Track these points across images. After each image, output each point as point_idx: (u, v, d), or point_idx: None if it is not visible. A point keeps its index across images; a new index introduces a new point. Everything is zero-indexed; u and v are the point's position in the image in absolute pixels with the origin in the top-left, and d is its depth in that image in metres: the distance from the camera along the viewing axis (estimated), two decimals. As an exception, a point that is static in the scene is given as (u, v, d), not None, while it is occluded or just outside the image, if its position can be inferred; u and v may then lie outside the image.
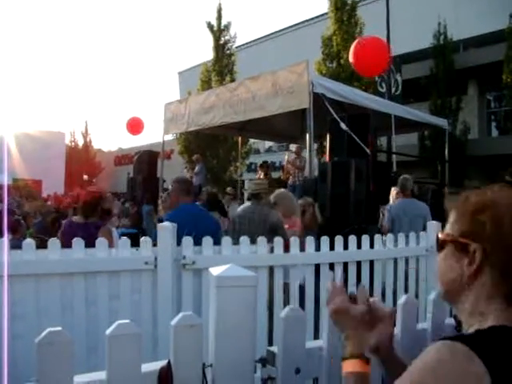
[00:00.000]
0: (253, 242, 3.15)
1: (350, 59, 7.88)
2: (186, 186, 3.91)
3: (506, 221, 0.88)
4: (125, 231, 8.31)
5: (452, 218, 0.99)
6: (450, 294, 1.00)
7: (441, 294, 1.04)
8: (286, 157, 11.28)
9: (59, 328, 1.01)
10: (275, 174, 13.17)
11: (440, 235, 1.02)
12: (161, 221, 4.09)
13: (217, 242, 3.04)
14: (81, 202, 4.01)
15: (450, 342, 0.82)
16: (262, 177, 11.01)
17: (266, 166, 11.70)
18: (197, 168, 12.24)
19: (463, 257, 0.94)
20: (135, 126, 14.64)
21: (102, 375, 1.08)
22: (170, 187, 4.32)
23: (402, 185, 6.17)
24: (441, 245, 1.01)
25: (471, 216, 0.94)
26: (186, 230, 2.96)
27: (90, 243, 2.74)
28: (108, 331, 1.06)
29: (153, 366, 1.15)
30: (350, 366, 1.06)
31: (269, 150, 24.99)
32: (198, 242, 2.93)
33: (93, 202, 3.95)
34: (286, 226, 4.45)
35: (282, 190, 5.32)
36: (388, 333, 1.14)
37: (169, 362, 1.14)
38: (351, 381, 1.05)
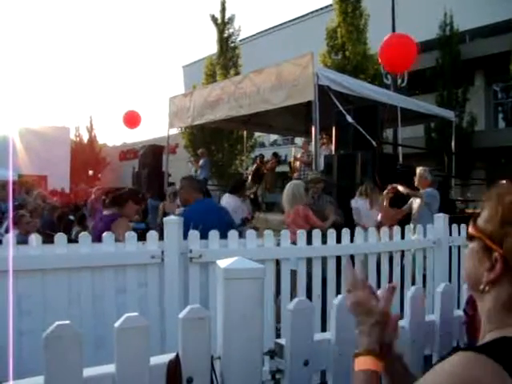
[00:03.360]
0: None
1: (379, 53, 7.90)
2: (196, 184, 3.96)
3: None
4: (135, 226, 8.33)
5: (486, 212, 0.93)
6: (472, 289, 0.96)
7: (468, 285, 1.00)
8: (293, 153, 11.28)
9: (67, 322, 1.01)
10: (280, 168, 13.14)
11: (471, 227, 0.96)
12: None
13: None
14: (110, 195, 4.04)
15: (480, 356, 0.77)
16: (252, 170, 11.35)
17: (260, 160, 11.92)
18: (201, 162, 12.24)
19: (487, 259, 0.89)
20: (132, 120, 14.60)
21: (110, 368, 1.08)
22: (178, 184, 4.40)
23: (429, 174, 6.15)
24: (469, 237, 0.96)
25: (502, 221, 0.87)
26: (193, 224, 2.97)
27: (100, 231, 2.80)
28: (116, 324, 1.06)
29: (161, 359, 1.15)
30: (362, 363, 1.03)
31: (274, 144, 24.97)
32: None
33: (123, 195, 3.99)
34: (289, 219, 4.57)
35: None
36: (395, 335, 1.12)
37: (177, 355, 1.14)
38: (362, 378, 1.01)
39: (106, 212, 3.94)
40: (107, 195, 4.06)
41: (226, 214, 4.04)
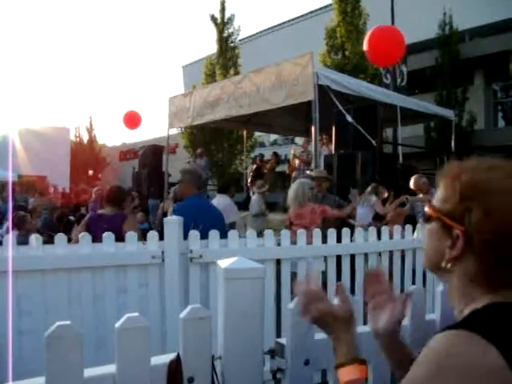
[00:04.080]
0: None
1: (364, 48, 7.76)
2: (197, 180, 3.90)
3: (496, 211, 0.82)
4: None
5: (441, 192, 0.92)
6: (433, 269, 0.95)
7: (424, 264, 0.99)
8: (293, 151, 11.28)
9: (68, 322, 1.01)
10: (280, 168, 13.15)
11: (428, 208, 0.95)
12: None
13: (222, 235, 3.05)
14: (108, 195, 4.05)
15: (454, 331, 0.78)
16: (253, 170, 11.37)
17: (260, 160, 11.94)
18: (202, 162, 12.23)
19: (447, 237, 0.88)
20: (132, 120, 14.56)
21: (111, 368, 1.08)
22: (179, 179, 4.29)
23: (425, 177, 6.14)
24: (427, 218, 0.95)
25: (461, 198, 0.86)
26: (193, 224, 2.96)
27: (117, 235, 2.81)
28: (117, 324, 1.06)
29: (162, 359, 1.15)
30: (346, 374, 0.97)
31: (274, 143, 24.97)
32: (204, 235, 2.94)
33: (121, 195, 3.99)
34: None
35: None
36: (400, 317, 1.09)
37: (178, 355, 1.14)
38: None
39: (104, 211, 3.93)
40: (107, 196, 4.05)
41: (217, 212, 3.97)
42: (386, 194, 5.96)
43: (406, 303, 1.12)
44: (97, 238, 2.76)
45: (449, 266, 0.88)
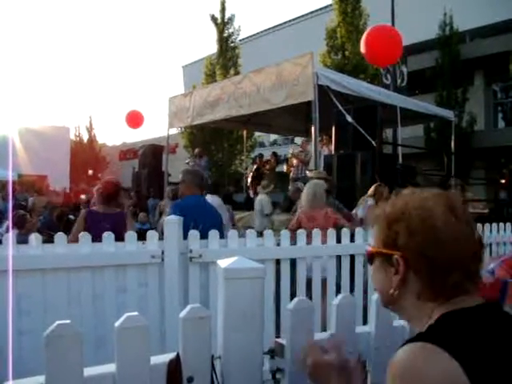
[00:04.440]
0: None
1: (362, 49, 7.73)
2: (199, 180, 3.89)
3: (417, 228, 0.91)
4: (140, 227, 8.36)
5: (375, 230, 1.01)
6: (389, 304, 1.02)
7: (381, 303, 1.06)
8: (291, 150, 11.29)
9: (68, 321, 1.01)
10: (279, 168, 13.15)
11: (367, 249, 1.04)
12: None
13: (220, 235, 3.05)
14: (102, 192, 4.02)
15: (412, 344, 0.83)
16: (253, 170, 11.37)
17: (260, 160, 11.93)
18: (202, 162, 12.22)
19: (390, 267, 0.96)
20: (135, 120, 14.55)
21: (111, 367, 1.08)
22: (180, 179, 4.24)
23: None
24: (369, 259, 1.03)
25: (388, 227, 0.96)
26: (193, 223, 2.96)
27: (115, 232, 2.80)
28: (117, 324, 1.06)
29: (162, 359, 1.15)
30: None
31: (274, 143, 24.97)
32: (204, 234, 2.94)
33: (114, 191, 3.98)
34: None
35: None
36: (362, 378, 1.13)
37: (177, 355, 1.14)
38: None
39: (103, 210, 3.91)
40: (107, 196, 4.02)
41: (212, 211, 3.96)
42: (385, 194, 5.90)
43: (361, 369, 1.15)
44: (98, 237, 2.75)
45: (396, 292, 0.95)
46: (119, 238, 2.80)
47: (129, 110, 14.53)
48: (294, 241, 3.29)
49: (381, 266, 0.99)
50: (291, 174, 10.39)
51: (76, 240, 2.76)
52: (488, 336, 0.84)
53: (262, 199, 7.81)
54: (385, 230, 0.97)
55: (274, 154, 12.02)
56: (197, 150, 13.03)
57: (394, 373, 0.82)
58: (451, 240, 0.89)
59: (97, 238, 2.74)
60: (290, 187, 9.98)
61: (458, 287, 0.90)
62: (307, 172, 8.43)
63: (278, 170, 12.37)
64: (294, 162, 10.45)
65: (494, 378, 0.79)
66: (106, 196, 3.94)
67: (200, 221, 3.10)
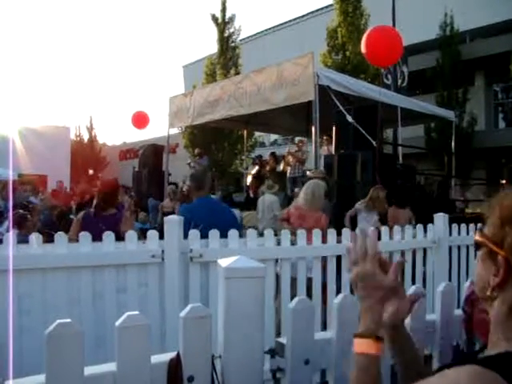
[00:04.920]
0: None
1: (362, 49, 7.72)
2: (198, 182, 3.89)
3: None
4: (141, 227, 8.36)
5: (490, 218, 0.90)
6: (482, 298, 0.93)
7: (476, 292, 0.96)
8: (287, 148, 11.32)
9: (68, 320, 1.01)
10: (279, 168, 13.16)
11: (477, 234, 0.94)
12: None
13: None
14: (99, 193, 4.02)
15: (486, 370, 0.73)
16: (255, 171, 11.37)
17: (260, 160, 11.95)
18: (203, 161, 12.23)
19: (492, 264, 0.86)
20: (141, 120, 14.58)
21: (111, 367, 1.08)
22: (178, 181, 4.26)
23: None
24: (476, 244, 0.94)
25: (501, 222, 0.86)
26: (193, 223, 2.96)
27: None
28: (117, 323, 1.06)
29: (162, 358, 1.15)
30: (362, 346, 0.96)
31: (274, 143, 24.97)
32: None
33: (111, 192, 3.97)
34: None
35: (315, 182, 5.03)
36: (405, 315, 1.05)
37: (178, 354, 1.14)
38: (362, 363, 0.95)
39: (99, 212, 3.90)
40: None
41: (225, 212, 3.97)
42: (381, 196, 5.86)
43: (414, 304, 1.08)
44: (93, 238, 2.75)
45: (494, 294, 0.86)
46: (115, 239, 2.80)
47: (135, 111, 14.57)
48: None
49: (484, 258, 0.89)
50: (288, 173, 10.43)
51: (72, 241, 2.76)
52: None
53: (272, 200, 7.71)
54: (498, 223, 0.86)
55: (273, 154, 12.02)
56: (197, 150, 13.04)
57: None
58: None
59: (92, 240, 2.74)
60: (288, 185, 10.01)
61: None
62: (308, 172, 8.42)
63: (278, 170, 12.38)
64: (291, 160, 10.47)
65: None
66: (103, 197, 3.93)
67: (210, 221, 3.12)
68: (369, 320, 0.98)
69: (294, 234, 3.32)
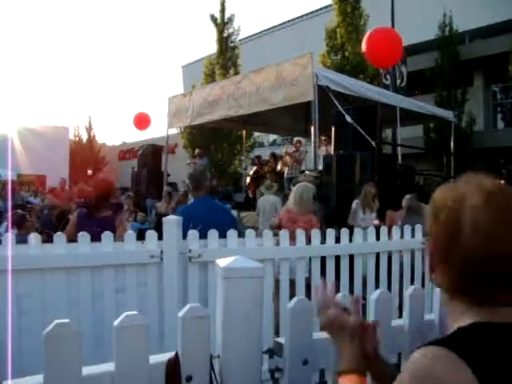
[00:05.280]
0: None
1: (363, 50, 7.73)
2: (196, 182, 3.89)
3: (445, 220, 0.87)
4: (140, 227, 8.35)
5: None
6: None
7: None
8: (285, 149, 11.35)
9: (67, 320, 1.01)
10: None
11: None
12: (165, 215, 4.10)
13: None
14: (93, 193, 3.98)
15: (435, 348, 0.80)
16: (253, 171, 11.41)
17: (259, 161, 11.98)
18: (203, 162, 12.23)
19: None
20: (142, 122, 14.61)
21: (110, 366, 1.08)
22: (177, 182, 4.28)
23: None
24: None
25: (431, 213, 0.93)
26: (192, 223, 2.96)
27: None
28: (116, 322, 1.06)
29: (161, 358, 1.15)
30: (345, 382, 1.01)
31: (273, 144, 24.96)
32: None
33: (105, 192, 3.94)
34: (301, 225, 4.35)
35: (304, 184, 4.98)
36: (375, 344, 1.10)
37: (176, 354, 1.14)
38: None
39: (92, 214, 3.87)
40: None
41: (223, 212, 3.96)
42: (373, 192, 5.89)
43: (375, 330, 1.12)
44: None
45: (433, 276, 0.92)
46: None
47: (136, 112, 14.61)
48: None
49: (427, 246, 0.97)
50: (285, 174, 10.46)
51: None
52: None
53: (274, 200, 7.66)
54: (429, 216, 0.94)
55: (273, 154, 12.05)
56: (197, 151, 13.05)
57: (412, 373, 0.79)
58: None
59: None
60: (285, 185, 10.03)
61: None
62: (307, 172, 8.44)
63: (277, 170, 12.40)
64: (288, 160, 10.49)
65: None
66: (97, 198, 3.90)
67: (208, 220, 3.12)
68: (348, 358, 1.04)
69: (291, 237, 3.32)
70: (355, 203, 5.98)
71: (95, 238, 2.74)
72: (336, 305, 1.13)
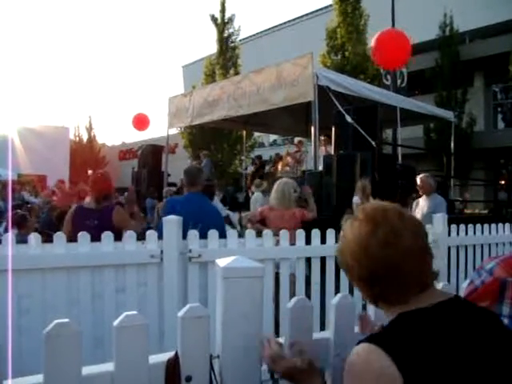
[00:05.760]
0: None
1: (372, 49, 7.76)
2: (191, 177, 3.88)
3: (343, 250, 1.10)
4: None
5: None
6: None
7: None
8: (286, 149, 11.38)
9: (66, 320, 1.01)
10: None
11: None
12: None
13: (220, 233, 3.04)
14: (93, 186, 3.97)
15: (366, 344, 0.94)
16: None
17: (259, 161, 12.00)
18: (203, 162, 12.24)
19: None
20: (141, 122, 14.63)
21: (109, 366, 1.08)
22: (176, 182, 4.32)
23: (432, 179, 6.03)
24: None
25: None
26: (191, 222, 2.96)
27: (106, 228, 2.81)
28: (115, 322, 1.06)
29: (160, 358, 1.15)
30: None
31: (273, 144, 24.96)
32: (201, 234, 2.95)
33: (105, 187, 3.93)
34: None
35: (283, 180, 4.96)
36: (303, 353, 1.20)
37: (176, 354, 1.14)
38: None
39: (91, 206, 3.87)
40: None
41: (214, 213, 3.94)
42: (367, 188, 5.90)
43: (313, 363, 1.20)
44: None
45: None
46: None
47: (135, 113, 14.63)
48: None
49: None
50: (287, 171, 10.47)
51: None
52: (430, 335, 0.93)
53: (256, 197, 7.82)
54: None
55: (277, 154, 12.16)
56: (201, 154, 13.05)
57: (346, 370, 0.96)
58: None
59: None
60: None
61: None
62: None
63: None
64: (289, 161, 10.50)
65: (428, 374, 0.88)
66: (97, 192, 3.87)
67: (196, 217, 3.12)
68: None
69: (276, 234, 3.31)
70: (356, 199, 5.96)
71: (91, 231, 2.75)
72: (282, 356, 1.19)
